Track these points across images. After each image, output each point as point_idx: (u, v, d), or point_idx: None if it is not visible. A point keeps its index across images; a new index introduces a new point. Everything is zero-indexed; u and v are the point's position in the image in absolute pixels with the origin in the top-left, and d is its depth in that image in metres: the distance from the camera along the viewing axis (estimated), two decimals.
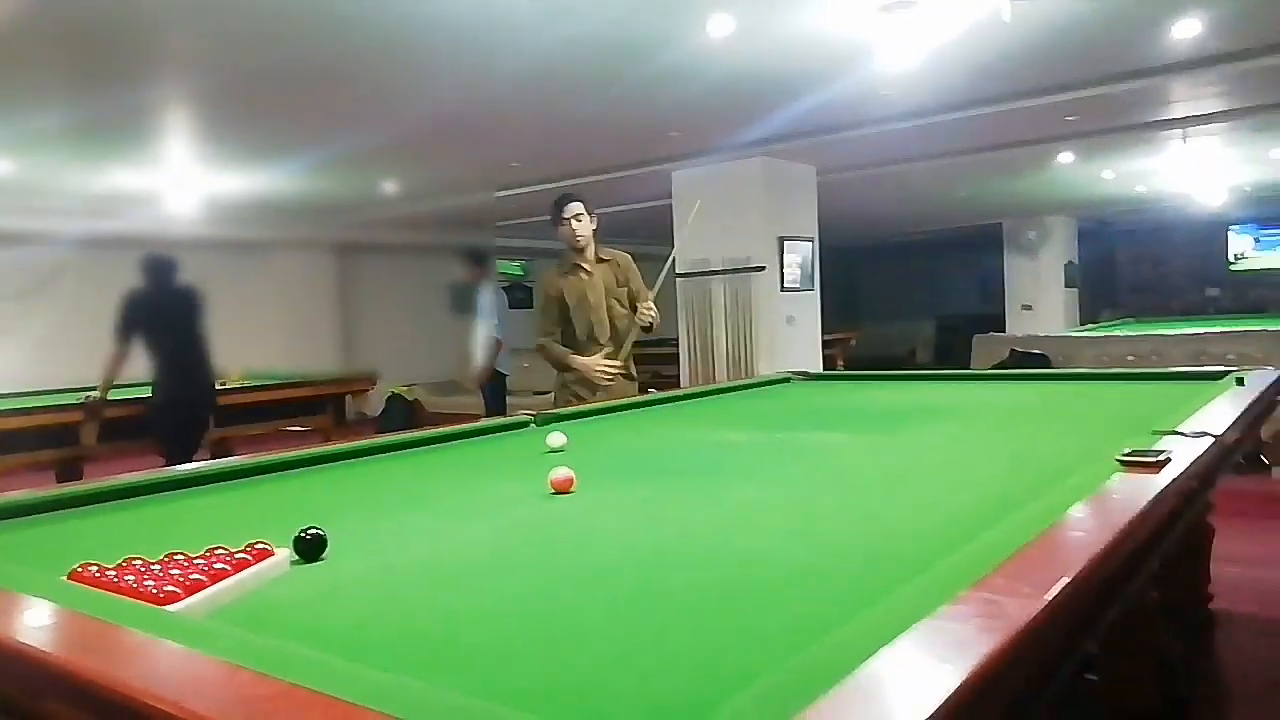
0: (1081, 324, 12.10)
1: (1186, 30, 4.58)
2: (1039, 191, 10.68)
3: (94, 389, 4.94)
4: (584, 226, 3.76)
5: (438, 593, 1.27)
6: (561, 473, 1.88)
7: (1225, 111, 6.50)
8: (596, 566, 1.36)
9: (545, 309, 3.89)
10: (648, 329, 3.74)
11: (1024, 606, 0.96)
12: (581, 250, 3.84)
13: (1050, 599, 0.99)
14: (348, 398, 7.00)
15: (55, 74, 4.47)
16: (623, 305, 3.87)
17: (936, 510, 1.59)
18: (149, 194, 7.16)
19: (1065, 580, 1.05)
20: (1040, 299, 13.33)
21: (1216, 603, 3.18)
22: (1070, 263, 13.65)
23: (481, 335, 6.53)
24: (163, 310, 4.96)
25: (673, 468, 2.24)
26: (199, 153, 6.48)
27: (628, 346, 3.77)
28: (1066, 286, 13.49)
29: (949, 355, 14.13)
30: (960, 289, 16.38)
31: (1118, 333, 7.46)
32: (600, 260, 3.87)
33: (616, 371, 3.74)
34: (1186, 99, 6.09)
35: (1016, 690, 0.91)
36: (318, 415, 6.44)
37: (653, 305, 3.77)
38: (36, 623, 1.09)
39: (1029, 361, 6.52)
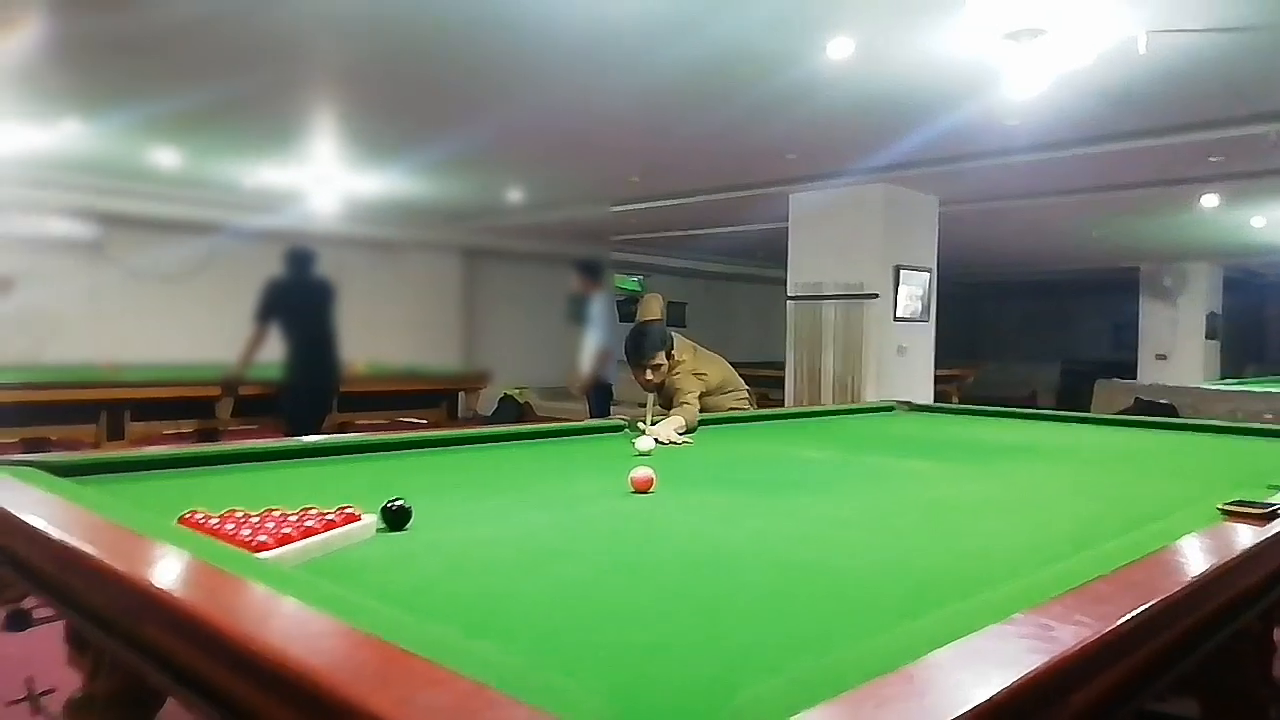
0: (1221, 379, 11.36)
1: None
2: (1180, 236, 10.11)
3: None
4: (659, 374, 3.41)
5: (502, 568, 1.33)
6: (642, 472, 1.93)
7: None
8: (654, 560, 1.40)
9: None
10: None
11: (1077, 635, 0.94)
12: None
13: (1107, 632, 0.97)
14: (461, 394, 7.28)
15: (214, 74, 4.84)
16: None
17: (1009, 540, 1.56)
18: (295, 191, 7.64)
19: (1127, 618, 1.02)
20: (1177, 349, 12.59)
21: None
22: (1212, 313, 12.84)
23: (589, 345, 6.64)
24: (299, 299, 5.27)
25: (753, 479, 2.26)
26: (340, 152, 6.87)
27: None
28: (1207, 338, 12.70)
29: (1072, 402, 13.46)
30: (1091, 334, 15.63)
31: (1256, 388, 6.98)
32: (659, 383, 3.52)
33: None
34: None
35: (1064, 717, 0.90)
36: (432, 409, 6.72)
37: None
38: (145, 558, 1.21)
39: (1154, 411, 6.16)
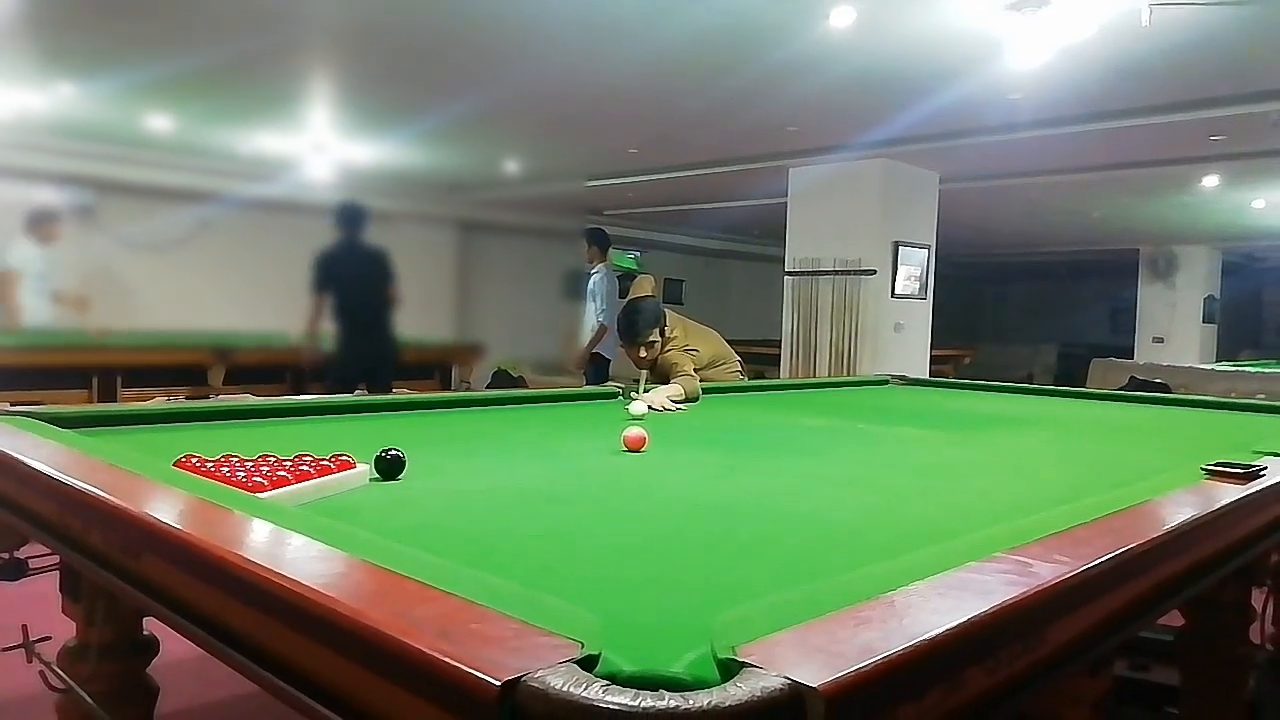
0: (1217, 363, 11.40)
1: None
2: (1180, 217, 10.11)
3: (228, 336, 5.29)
4: (653, 351, 3.38)
5: (496, 512, 1.35)
6: (634, 431, 1.94)
7: None
8: (647, 508, 1.43)
9: None
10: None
11: (1055, 571, 0.97)
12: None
13: (1085, 569, 0.99)
14: (454, 366, 7.30)
15: (210, 38, 4.81)
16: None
17: (995, 497, 1.58)
18: (290, 159, 7.59)
19: (1105, 558, 1.04)
20: (1174, 333, 12.63)
21: None
22: (1210, 297, 12.87)
23: (588, 319, 6.65)
24: (347, 270, 5.15)
25: (745, 442, 2.28)
26: (336, 119, 6.84)
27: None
28: (1204, 322, 12.73)
29: (1068, 384, 13.53)
30: (1090, 317, 15.67)
31: (1250, 369, 7.01)
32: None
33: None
34: None
35: (1043, 650, 0.92)
36: (425, 380, 6.74)
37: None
38: (146, 495, 1.23)
39: (1148, 390, 6.20)
